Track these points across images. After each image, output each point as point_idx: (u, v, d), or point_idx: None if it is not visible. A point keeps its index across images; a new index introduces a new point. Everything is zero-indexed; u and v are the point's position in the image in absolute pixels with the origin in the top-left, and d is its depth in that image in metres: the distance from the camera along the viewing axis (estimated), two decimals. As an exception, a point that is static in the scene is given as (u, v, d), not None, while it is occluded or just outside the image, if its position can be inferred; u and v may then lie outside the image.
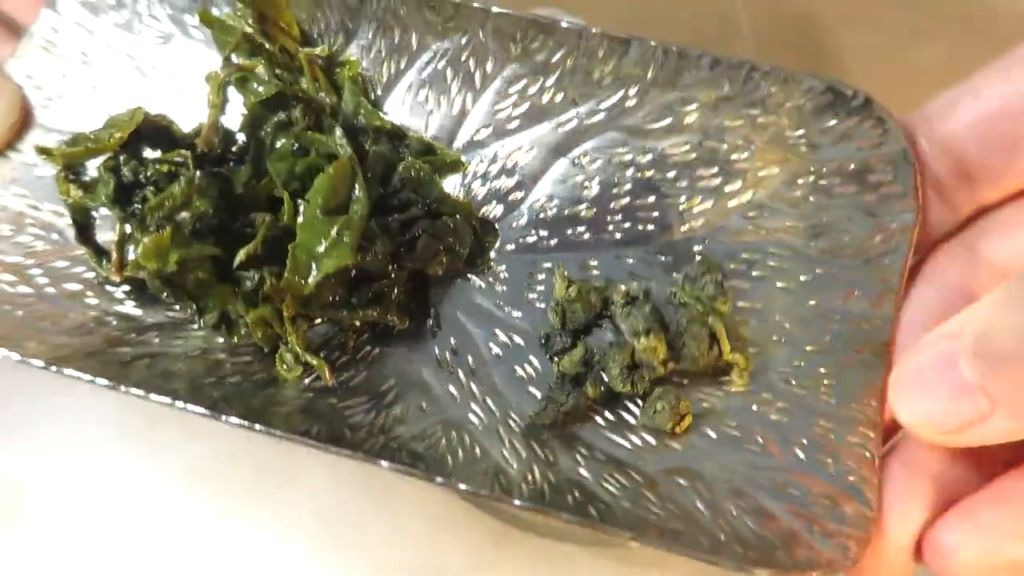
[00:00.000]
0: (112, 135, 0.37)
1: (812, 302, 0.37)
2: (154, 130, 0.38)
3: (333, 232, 0.34)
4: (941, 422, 0.32)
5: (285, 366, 0.36)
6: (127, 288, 0.38)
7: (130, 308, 0.38)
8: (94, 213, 0.39)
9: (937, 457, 0.35)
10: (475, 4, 0.38)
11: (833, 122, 0.37)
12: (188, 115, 0.40)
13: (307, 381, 0.37)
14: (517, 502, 0.32)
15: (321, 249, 0.34)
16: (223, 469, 0.49)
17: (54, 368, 0.35)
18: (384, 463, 0.33)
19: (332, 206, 0.34)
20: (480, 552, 0.47)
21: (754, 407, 0.36)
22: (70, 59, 0.41)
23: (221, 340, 0.37)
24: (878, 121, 0.36)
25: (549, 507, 0.33)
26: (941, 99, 0.36)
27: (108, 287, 0.38)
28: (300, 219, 0.34)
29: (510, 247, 0.38)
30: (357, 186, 0.35)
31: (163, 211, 0.34)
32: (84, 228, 0.39)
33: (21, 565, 0.47)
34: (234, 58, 0.39)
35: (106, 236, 0.39)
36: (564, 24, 0.38)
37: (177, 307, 0.38)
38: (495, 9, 0.38)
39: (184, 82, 0.41)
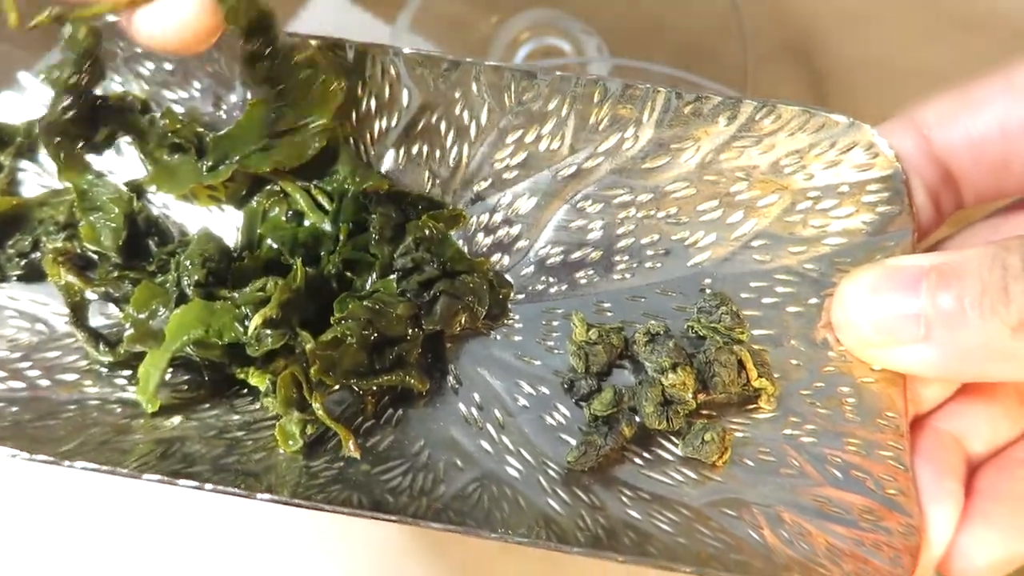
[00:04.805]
0: None
1: (822, 324, 0.37)
2: None
3: None
4: (874, 331, 0.35)
5: (291, 441, 0.35)
6: (127, 373, 0.37)
7: (133, 393, 0.36)
8: (88, 295, 0.37)
9: (956, 453, 0.36)
10: (467, 59, 0.38)
11: (825, 148, 0.38)
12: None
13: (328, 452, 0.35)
14: (578, 550, 0.32)
15: None
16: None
17: (66, 463, 0.33)
18: (434, 524, 0.32)
19: None
20: (479, 550, 0.46)
21: (784, 432, 0.36)
22: None
23: (236, 417, 0.36)
24: (868, 145, 0.38)
25: (609, 551, 0.32)
26: (936, 106, 0.38)
27: (107, 373, 0.36)
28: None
29: (520, 296, 0.38)
30: None
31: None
32: (78, 311, 0.37)
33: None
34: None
35: (96, 321, 0.38)
36: (557, 72, 0.38)
37: (185, 387, 0.36)
38: (487, 63, 0.38)
39: None
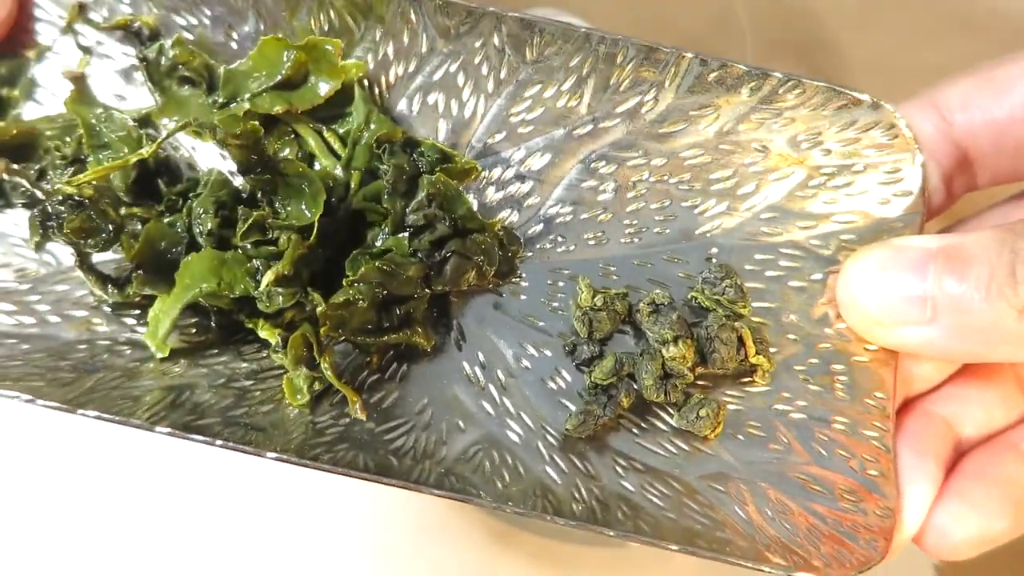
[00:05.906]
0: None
1: (823, 300, 0.38)
2: None
3: None
4: (880, 311, 0.35)
5: (298, 395, 0.36)
6: (137, 312, 0.37)
7: (142, 335, 0.36)
8: None
9: (943, 436, 0.38)
10: (491, 8, 0.37)
11: (845, 127, 0.37)
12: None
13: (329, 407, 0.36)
14: (573, 523, 0.33)
15: None
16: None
17: (79, 412, 0.33)
18: (437, 492, 0.33)
19: None
20: (481, 551, 0.47)
21: (776, 407, 0.37)
22: None
23: (244, 365, 0.36)
24: (889, 126, 0.37)
25: (603, 526, 0.34)
26: (959, 88, 0.37)
27: (116, 312, 0.37)
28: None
29: (528, 254, 0.38)
30: None
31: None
32: (84, 254, 0.36)
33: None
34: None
35: (103, 256, 0.38)
36: (582, 29, 0.37)
37: (193, 331, 0.37)
38: (512, 13, 0.37)
39: None
